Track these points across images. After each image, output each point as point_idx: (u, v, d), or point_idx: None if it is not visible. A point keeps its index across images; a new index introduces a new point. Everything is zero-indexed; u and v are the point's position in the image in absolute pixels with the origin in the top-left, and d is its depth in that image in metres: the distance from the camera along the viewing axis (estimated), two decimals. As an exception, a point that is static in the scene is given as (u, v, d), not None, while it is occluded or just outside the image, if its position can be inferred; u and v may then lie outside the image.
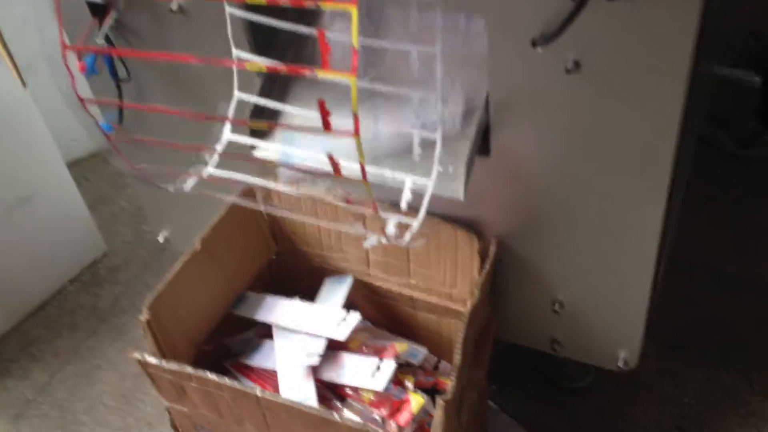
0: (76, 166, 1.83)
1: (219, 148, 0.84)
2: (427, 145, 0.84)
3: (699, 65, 0.76)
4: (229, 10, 0.79)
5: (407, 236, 0.80)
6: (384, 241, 0.80)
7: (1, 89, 1.34)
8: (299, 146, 0.85)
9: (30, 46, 1.62)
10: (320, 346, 0.99)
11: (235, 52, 0.82)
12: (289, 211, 1.02)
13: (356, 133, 0.59)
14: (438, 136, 0.83)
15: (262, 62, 0.73)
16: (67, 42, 0.75)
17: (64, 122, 1.72)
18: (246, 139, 0.88)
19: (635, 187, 0.83)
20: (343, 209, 0.95)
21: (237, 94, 0.86)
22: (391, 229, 0.79)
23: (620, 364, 1.00)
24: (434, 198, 0.83)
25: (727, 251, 1.45)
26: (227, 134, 0.86)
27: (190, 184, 0.84)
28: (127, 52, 0.96)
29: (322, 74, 0.57)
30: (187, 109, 0.71)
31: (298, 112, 0.83)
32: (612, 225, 0.88)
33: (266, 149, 0.89)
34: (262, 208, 0.98)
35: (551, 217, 0.91)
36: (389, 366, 0.97)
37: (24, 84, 1.35)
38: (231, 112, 0.87)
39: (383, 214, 0.77)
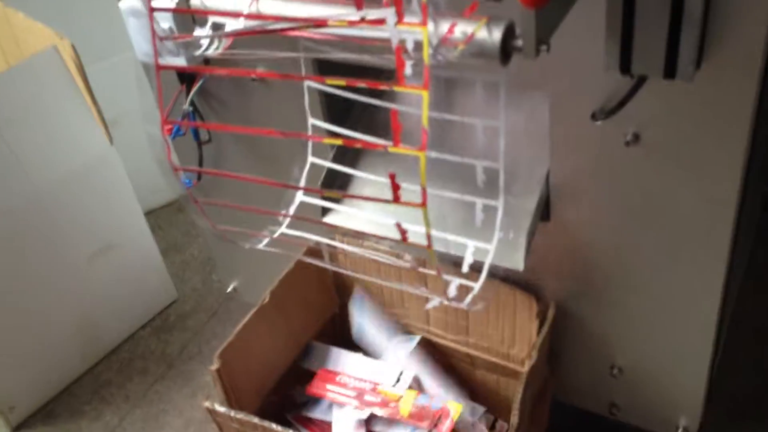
0: (151, 215, 1.93)
1: (291, 209, 0.89)
2: (490, 213, 0.87)
3: (758, 137, 0.78)
4: (306, 82, 0.85)
5: (468, 299, 0.83)
6: (446, 302, 0.83)
7: (89, 144, 1.43)
8: (367, 210, 0.90)
9: (116, 102, 1.73)
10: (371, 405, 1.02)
11: (311, 121, 0.88)
12: (354, 271, 1.07)
13: (423, 204, 0.63)
14: (500, 203, 0.86)
15: (337, 131, 0.78)
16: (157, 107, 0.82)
17: (144, 174, 1.82)
18: (317, 201, 0.93)
19: (695, 257, 0.85)
20: (405, 269, 0.99)
21: (311, 159, 0.91)
22: (452, 291, 0.82)
23: (680, 431, 0.99)
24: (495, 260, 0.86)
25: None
26: (299, 197, 0.91)
27: (263, 242, 0.89)
28: (214, 126, 1.03)
29: (394, 150, 0.62)
30: (262, 175, 0.76)
31: (368, 177, 0.88)
32: (671, 293, 0.89)
33: (336, 213, 0.94)
34: (328, 265, 1.03)
35: (609, 283, 0.93)
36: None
37: (111, 141, 1.44)
38: (304, 176, 0.92)
39: (446, 277, 0.80)
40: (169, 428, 1.43)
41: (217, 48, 0.79)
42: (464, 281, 0.83)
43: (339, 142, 0.71)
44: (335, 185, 0.99)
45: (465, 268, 0.85)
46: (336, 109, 0.95)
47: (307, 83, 0.85)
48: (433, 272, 0.77)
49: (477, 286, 0.84)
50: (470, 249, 0.87)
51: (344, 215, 0.94)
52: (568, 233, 0.92)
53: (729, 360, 1.31)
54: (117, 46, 1.67)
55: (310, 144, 0.91)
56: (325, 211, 1.02)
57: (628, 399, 1.02)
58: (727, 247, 0.83)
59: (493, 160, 0.80)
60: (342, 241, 1.09)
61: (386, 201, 0.64)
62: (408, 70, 0.60)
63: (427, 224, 0.64)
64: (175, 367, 1.56)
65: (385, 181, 0.65)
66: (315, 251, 1.05)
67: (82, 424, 1.46)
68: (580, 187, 0.86)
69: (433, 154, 0.78)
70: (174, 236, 1.92)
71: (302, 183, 0.93)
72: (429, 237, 0.65)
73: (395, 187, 0.62)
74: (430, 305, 0.85)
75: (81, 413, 1.48)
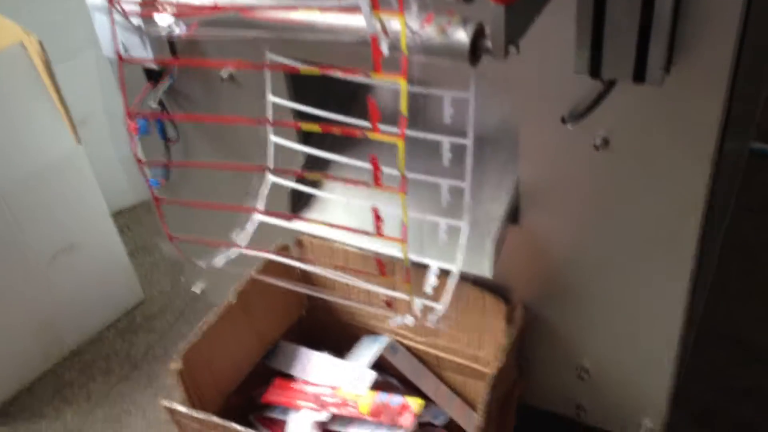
0: (121, 215, 1.90)
1: (249, 227, 0.88)
2: (454, 230, 0.87)
3: (726, 144, 0.79)
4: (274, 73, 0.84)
5: (432, 318, 0.83)
6: (409, 322, 0.83)
7: (55, 143, 1.41)
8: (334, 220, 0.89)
9: (85, 102, 1.71)
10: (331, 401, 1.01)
11: (270, 99, 0.87)
12: (323, 289, 1.06)
13: (403, 191, 0.63)
14: (464, 224, 0.85)
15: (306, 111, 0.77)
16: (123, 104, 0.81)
17: (111, 174, 1.80)
18: (277, 221, 0.92)
19: (661, 262, 0.85)
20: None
21: (273, 139, 0.90)
22: (416, 312, 0.82)
23: (644, 433, 1.00)
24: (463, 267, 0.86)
25: (758, 324, 1.44)
26: (258, 217, 0.91)
27: (220, 261, 0.89)
28: (182, 116, 1.01)
29: (373, 136, 0.62)
30: (231, 178, 0.75)
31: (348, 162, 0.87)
32: (638, 297, 0.90)
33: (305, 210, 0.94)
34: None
35: (577, 286, 0.93)
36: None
37: (78, 140, 1.42)
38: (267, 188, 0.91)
39: (412, 300, 0.80)
40: (131, 429, 1.41)
41: (181, 29, 0.77)
42: (428, 302, 0.83)
43: (317, 128, 0.71)
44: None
45: (428, 290, 0.85)
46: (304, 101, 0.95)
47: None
48: (404, 296, 0.77)
49: (441, 306, 0.84)
50: (433, 269, 0.86)
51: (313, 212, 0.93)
52: (536, 237, 0.92)
53: (696, 365, 1.33)
54: (85, 45, 1.65)
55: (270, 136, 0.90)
56: (295, 207, 1.01)
57: (595, 401, 1.03)
58: (693, 251, 0.83)
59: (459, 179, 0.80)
60: (311, 244, 1.09)
61: (367, 184, 0.64)
62: (384, 48, 0.59)
63: (405, 212, 0.64)
64: (139, 368, 1.53)
65: (365, 165, 0.65)
66: (283, 251, 1.04)
67: (42, 424, 1.43)
68: (549, 190, 0.87)
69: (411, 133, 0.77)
70: (143, 237, 1.89)
71: (262, 200, 0.93)
72: (405, 228, 0.65)
73: (377, 170, 0.62)
74: (392, 322, 0.85)
75: (41, 413, 1.45)
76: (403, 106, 0.60)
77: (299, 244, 1.11)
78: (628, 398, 0.99)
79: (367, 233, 0.72)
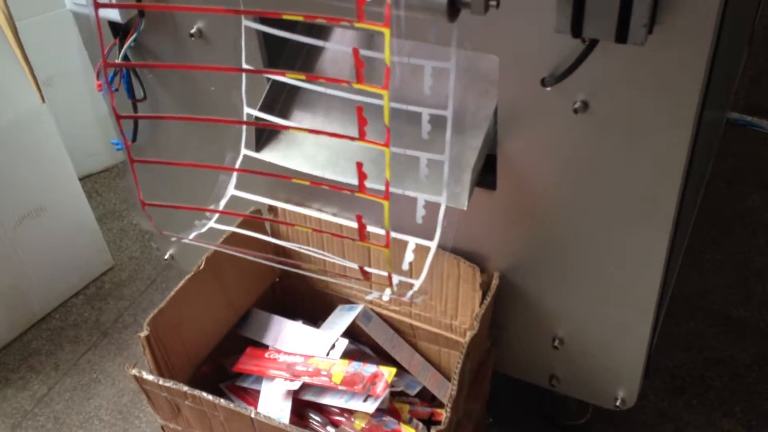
0: (88, 180, 1.86)
1: (221, 204, 0.85)
2: (435, 164, 0.84)
3: (705, 110, 0.77)
4: (245, 23, 0.81)
5: (408, 293, 0.81)
6: (386, 297, 0.81)
7: (20, 102, 1.37)
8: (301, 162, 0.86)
9: (50, 62, 1.65)
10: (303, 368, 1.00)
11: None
12: (296, 241, 1.04)
13: (387, 144, 0.61)
14: (446, 158, 0.82)
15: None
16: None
17: (79, 137, 1.76)
18: (249, 196, 0.90)
19: (639, 228, 0.84)
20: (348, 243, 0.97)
21: (247, 110, 0.88)
22: (392, 283, 0.80)
23: (618, 403, 0.99)
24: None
25: (731, 295, 1.45)
26: (231, 190, 0.89)
27: (191, 234, 0.86)
28: (156, 64, 0.97)
29: (358, 86, 0.60)
30: (201, 136, 0.72)
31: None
32: (614, 264, 0.89)
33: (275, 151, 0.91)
34: (269, 238, 1.00)
35: (554, 253, 0.92)
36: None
37: (42, 98, 1.37)
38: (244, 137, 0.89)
39: (388, 276, 0.78)
40: (100, 398, 1.38)
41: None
42: (405, 279, 0.82)
43: (302, 77, 0.68)
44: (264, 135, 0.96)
45: (405, 266, 0.83)
46: (276, 55, 0.92)
47: (246, 23, 0.81)
48: (382, 273, 0.75)
49: (418, 282, 0.82)
50: (410, 245, 0.84)
51: (282, 153, 0.90)
52: (513, 202, 0.90)
53: (668, 334, 1.33)
54: (52, 1, 1.59)
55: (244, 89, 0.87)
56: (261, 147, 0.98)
57: (569, 371, 1.02)
58: (672, 218, 0.82)
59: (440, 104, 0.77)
60: (284, 211, 1.06)
61: (352, 138, 0.62)
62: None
63: (389, 167, 0.62)
64: (108, 336, 1.51)
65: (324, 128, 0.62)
66: (254, 223, 1.01)
67: (8, 392, 1.40)
68: (526, 153, 0.85)
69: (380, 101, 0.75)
70: (112, 203, 1.85)
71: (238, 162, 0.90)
72: (387, 185, 0.63)
73: (362, 123, 0.59)
74: (369, 296, 0.84)
75: (7, 381, 1.42)
76: (387, 57, 0.58)
77: (272, 211, 1.08)
78: (603, 369, 0.99)
79: (351, 189, 0.70)
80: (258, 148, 0.97)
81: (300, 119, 0.95)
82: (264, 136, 0.97)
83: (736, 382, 1.30)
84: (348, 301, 1.14)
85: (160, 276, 1.64)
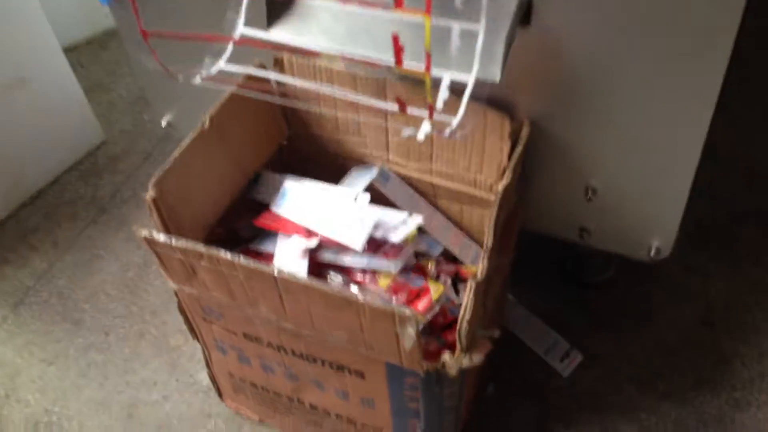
0: (72, 52, 1.74)
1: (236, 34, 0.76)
2: (467, 38, 0.76)
3: None
4: None
5: (447, 131, 0.74)
6: (421, 135, 0.74)
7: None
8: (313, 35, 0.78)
9: None
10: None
11: None
12: (305, 99, 0.95)
13: (428, 12, 0.53)
14: (481, 27, 0.74)
15: None
16: None
17: (63, 5, 1.63)
18: (261, 34, 0.80)
19: (688, 68, 0.76)
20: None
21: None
22: (429, 123, 0.72)
23: (652, 253, 0.95)
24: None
25: (762, 148, 1.39)
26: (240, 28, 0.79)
27: (198, 78, 0.78)
28: None
29: None
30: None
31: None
32: (659, 108, 0.81)
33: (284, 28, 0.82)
34: (276, 99, 0.91)
35: (591, 96, 0.84)
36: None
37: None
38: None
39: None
40: (104, 273, 1.34)
41: None
42: (442, 117, 0.74)
43: None
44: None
45: (440, 105, 0.75)
46: None
47: None
48: (422, 109, 0.67)
49: (455, 120, 0.75)
50: (446, 82, 0.76)
51: (295, 28, 0.81)
52: (549, 39, 0.81)
53: (696, 186, 1.28)
54: None
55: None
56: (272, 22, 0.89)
57: (601, 222, 0.97)
58: (727, 59, 0.74)
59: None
60: (291, 63, 0.97)
61: (388, 8, 0.54)
62: None
63: (428, 36, 0.54)
64: (107, 212, 1.44)
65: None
66: (260, 79, 0.93)
67: (7, 271, 1.35)
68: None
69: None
70: (98, 75, 1.75)
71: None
72: (428, 57, 0.55)
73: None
74: (405, 133, 0.76)
75: (5, 260, 1.37)
76: None
77: (278, 64, 0.99)
78: (638, 218, 0.94)
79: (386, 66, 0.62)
80: (269, 22, 0.87)
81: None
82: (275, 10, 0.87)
83: (763, 233, 1.26)
84: (362, 161, 1.07)
85: (155, 149, 1.56)
